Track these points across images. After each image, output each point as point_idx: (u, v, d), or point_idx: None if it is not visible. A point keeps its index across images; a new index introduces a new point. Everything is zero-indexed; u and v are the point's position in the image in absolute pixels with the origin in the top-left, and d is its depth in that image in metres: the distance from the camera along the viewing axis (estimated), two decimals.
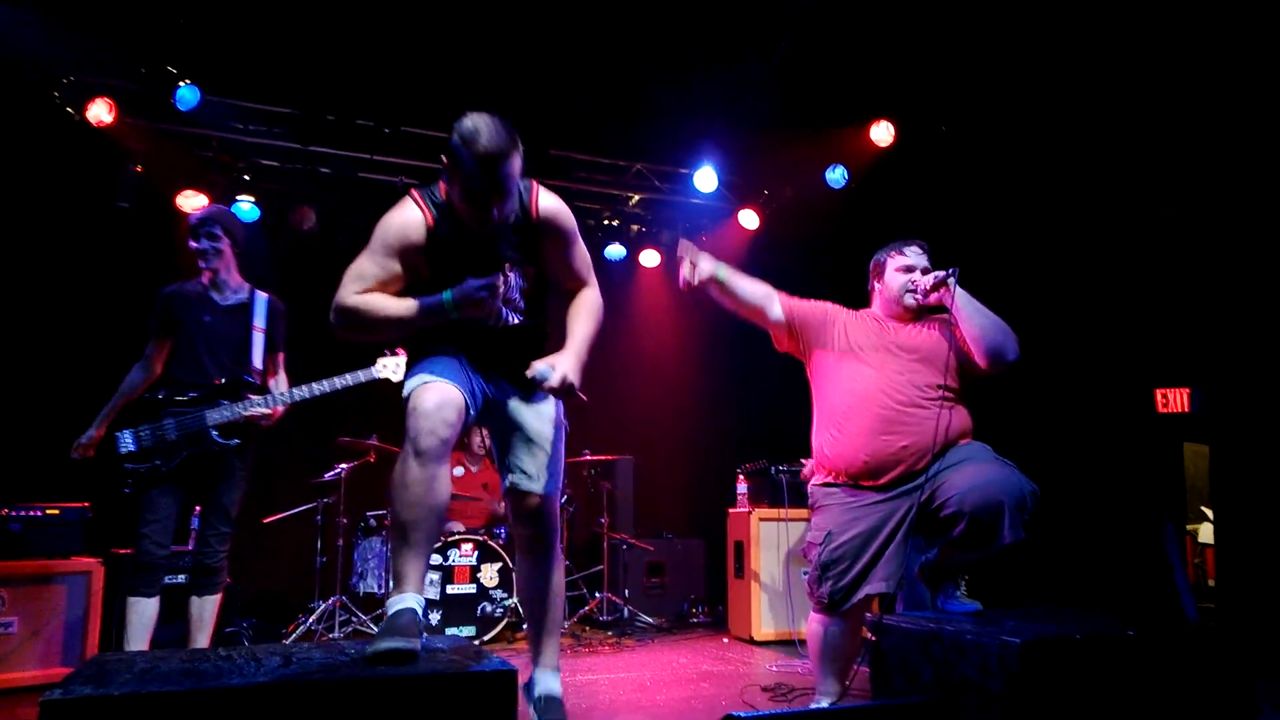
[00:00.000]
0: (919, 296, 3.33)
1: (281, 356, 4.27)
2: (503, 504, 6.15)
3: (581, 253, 2.99)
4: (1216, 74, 4.54)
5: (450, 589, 5.61)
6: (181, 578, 4.80)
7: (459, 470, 6.48)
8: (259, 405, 3.98)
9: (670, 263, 7.98)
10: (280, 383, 4.25)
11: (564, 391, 2.68)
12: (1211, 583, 5.07)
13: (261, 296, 4.18)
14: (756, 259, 7.15)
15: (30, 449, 5.22)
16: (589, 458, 6.70)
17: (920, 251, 3.43)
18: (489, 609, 5.66)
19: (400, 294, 2.77)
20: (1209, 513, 5.08)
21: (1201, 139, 4.68)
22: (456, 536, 5.73)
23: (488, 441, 3.18)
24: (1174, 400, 4.64)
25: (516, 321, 2.90)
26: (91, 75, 5.83)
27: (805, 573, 3.38)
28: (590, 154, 7.18)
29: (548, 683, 2.92)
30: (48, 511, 4.64)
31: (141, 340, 4.16)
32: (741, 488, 6.16)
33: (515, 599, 5.64)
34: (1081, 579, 4.92)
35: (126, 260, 6.02)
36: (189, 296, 4.08)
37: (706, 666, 4.93)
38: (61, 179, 6.03)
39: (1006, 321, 3.24)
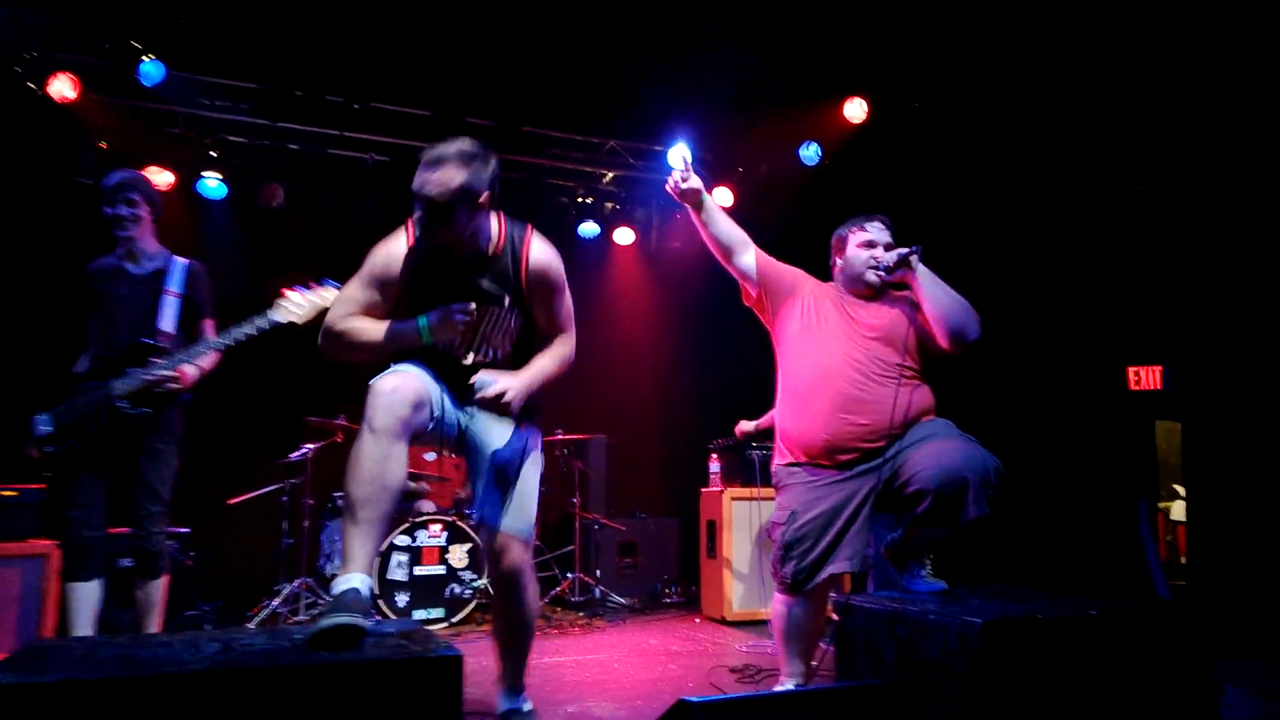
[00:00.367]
0: (881, 274, 3.28)
1: (209, 323, 3.98)
2: (466, 491, 6.12)
3: (566, 304, 3.02)
4: (1189, 52, 4.52)
5: (418, 570, 5.54)
6: (128, 561, 4.69)
7: (429, 455, 6.37)
8: (162, 369, 3.74)
9: (644, 241, 7.93)
10: None
11: (497, 405, 2.71)
12: (1183, 560, 5.09)
13: (180, 261, 3.96)
14: None
15: None
16: (561, 437, 6.65)
17: (883, 227, 3.37)
18: (458, 590, 5.59)
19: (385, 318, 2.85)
20: (1181, 490, 5.10)
21: (1174, 117, 4.67)
22: (425, 517, 5.66)
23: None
24: (1146, 377, 4.64)
25: (498, 357, 2.92)
26: (54, 50, 5.71)
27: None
28: (564, 130, 7.13)
29: (522, 707, 2.98)
30: (3, 493, 4.54)
31: None
32: (714, 466, 6.11)
33: (485, 580, 5.58)
34: (1054, 558, 4.93)
35: (90, 238, 5.87)
36: (107, 270, 3.90)
37: (676, 647, 4.90)
38: (23, 155, 5.89)
39: (979, 298, 3.22)
